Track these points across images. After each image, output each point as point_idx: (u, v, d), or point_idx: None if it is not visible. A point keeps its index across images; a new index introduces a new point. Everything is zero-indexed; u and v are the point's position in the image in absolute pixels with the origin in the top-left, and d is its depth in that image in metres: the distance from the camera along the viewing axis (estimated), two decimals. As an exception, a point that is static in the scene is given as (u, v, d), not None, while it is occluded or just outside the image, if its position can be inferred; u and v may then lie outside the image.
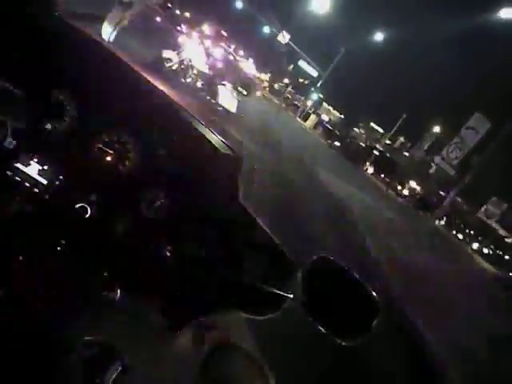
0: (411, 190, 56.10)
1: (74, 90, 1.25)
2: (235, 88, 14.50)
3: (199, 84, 13.64)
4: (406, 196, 49.55)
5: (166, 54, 12.58)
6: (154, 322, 1.18)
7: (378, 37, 48.73)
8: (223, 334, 1.17)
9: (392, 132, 69.78)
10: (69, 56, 1.23)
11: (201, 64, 13.53)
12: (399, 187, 52.41)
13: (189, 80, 13.29)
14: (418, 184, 67.00)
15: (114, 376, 0.95)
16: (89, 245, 1.19)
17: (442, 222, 52.68)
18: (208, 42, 14.30)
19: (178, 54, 12.97)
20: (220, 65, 14.59)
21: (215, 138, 1.38)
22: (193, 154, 1.34)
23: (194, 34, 13.43)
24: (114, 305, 1.16)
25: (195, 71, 13.40)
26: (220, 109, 13.18)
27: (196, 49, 13.36)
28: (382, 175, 57.20)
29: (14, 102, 1.16)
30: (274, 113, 30.20)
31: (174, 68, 12.75)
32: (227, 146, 1.39)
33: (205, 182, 1.34)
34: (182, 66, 13.02)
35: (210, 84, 13.76)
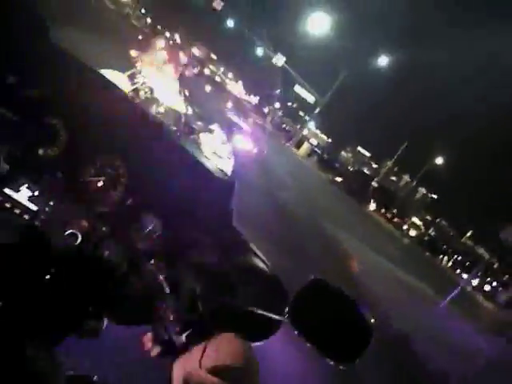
0: (415, 226, 51.99)
1: (65, 115, 1.26)
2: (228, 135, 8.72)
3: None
4: (412, 237, 44.84)
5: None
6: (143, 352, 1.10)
7: (380, 61, 44.86)
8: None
9: (393, 159, 66.03)
10: (61, 80, 1.24)
11: (171, 96, 7.92)
12: (405, 226, 47.74)
13: (150, 123, 7.70)
14: (417, 218, 64.39)
15: None
16: (78, 273, 1.16)
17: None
18: (183, 60, 8.61)
19: (129, 77, 7.36)
20: (203, 97, 8.88)
21: (208, 162, 1.40)
22: (185, 178, 1.35)
23: (158, 43, 7.75)
24: (100, 334, 1.17)
25: (161, 108, 7.76)
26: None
27: (162, 71, 7.75)
28: (383, 210, 53.33)
29: (6, 126, 1.16)
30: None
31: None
32: (220, 170, 1.42)
33: (198, 205, 1.34)
34: (138, 100, 7.40)
35: (188, 131, 8.12)
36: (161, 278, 1.16)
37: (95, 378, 1.13)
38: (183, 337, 1.07)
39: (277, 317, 1.11)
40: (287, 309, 1.11)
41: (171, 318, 1.07)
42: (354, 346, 1.06)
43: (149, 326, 1.11)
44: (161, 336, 1.07)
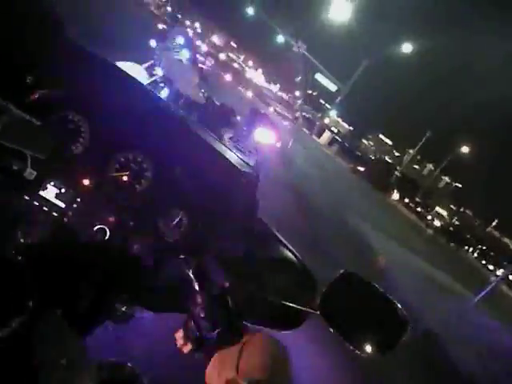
0: (439, 217, 50.87)
1: (87, 112, 1.25)
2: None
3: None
4: (437, 228, 43.85)
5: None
6: (176, 342, 1.12)
7: (404, 48, 43.62)
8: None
9: (417, 148, 64.72)
10: (80, 78, 1.23)
11: (190, 88, 7.61)
12: (429, 217, 46.75)
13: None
14: (441, 207, 63.15)
15: None
16: (108, 266, 1.18)
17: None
18: (202, 48, 8.24)
19: (147, 68, 7.07)
20: (223, 88, 8.51)
21: (233, 156, 1.38)
22: (210, 171, 1.34)
23: (178, 32, 7.39)
24: (132, 320, 1.17)
25: (181, 100, 7.45)
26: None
27: (182, 62, 7.43)
28: (406, 200, 52.41)
29: (32, 131, 1.13)
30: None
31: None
32: (245, 163, 1.39)
33: (223, 198, 1.33)
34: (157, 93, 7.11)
35: (209, 124, 7.83)
36: (189, 273, 1.14)
37: (128, 364, 1.13)
38: (215, 334, 1.04)
39: (309, 310, 1.10)
40: (318, 302, 1.09)
41: (202, 315, 1.06)
42: (388, 338, 1.04)
43: (180, 320, 1.09)
44: (192, 333, 1.05)
